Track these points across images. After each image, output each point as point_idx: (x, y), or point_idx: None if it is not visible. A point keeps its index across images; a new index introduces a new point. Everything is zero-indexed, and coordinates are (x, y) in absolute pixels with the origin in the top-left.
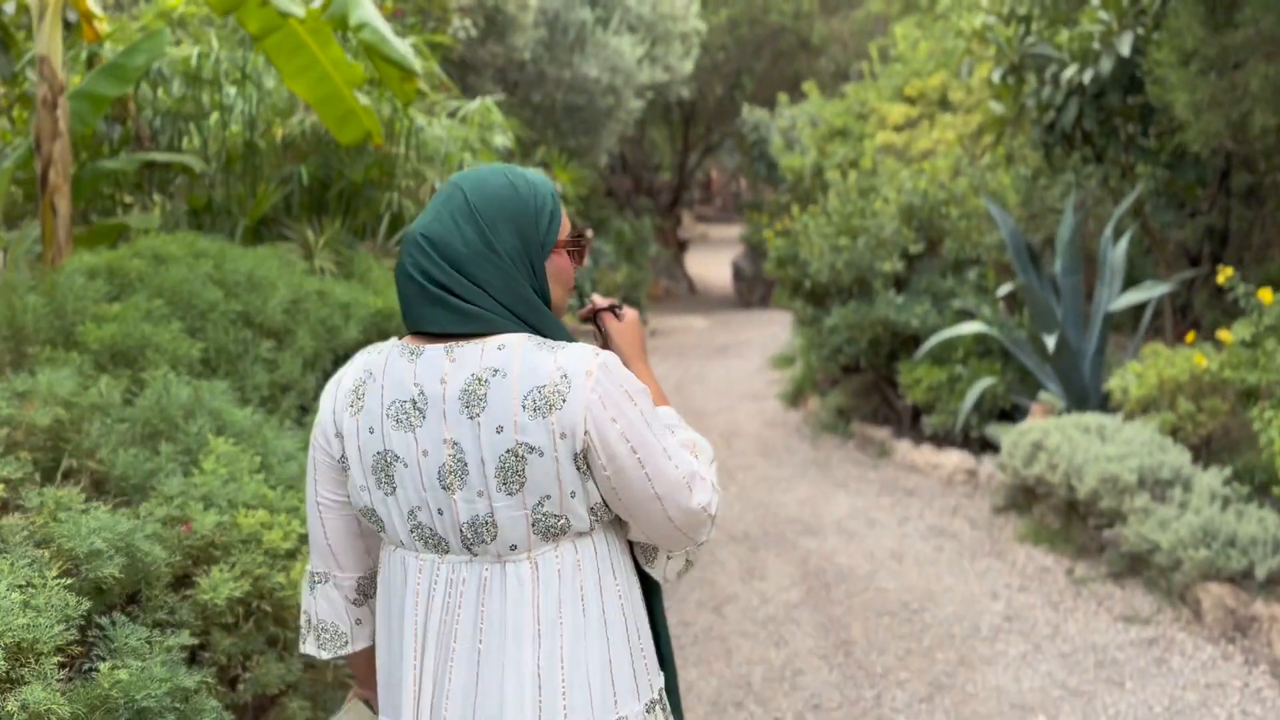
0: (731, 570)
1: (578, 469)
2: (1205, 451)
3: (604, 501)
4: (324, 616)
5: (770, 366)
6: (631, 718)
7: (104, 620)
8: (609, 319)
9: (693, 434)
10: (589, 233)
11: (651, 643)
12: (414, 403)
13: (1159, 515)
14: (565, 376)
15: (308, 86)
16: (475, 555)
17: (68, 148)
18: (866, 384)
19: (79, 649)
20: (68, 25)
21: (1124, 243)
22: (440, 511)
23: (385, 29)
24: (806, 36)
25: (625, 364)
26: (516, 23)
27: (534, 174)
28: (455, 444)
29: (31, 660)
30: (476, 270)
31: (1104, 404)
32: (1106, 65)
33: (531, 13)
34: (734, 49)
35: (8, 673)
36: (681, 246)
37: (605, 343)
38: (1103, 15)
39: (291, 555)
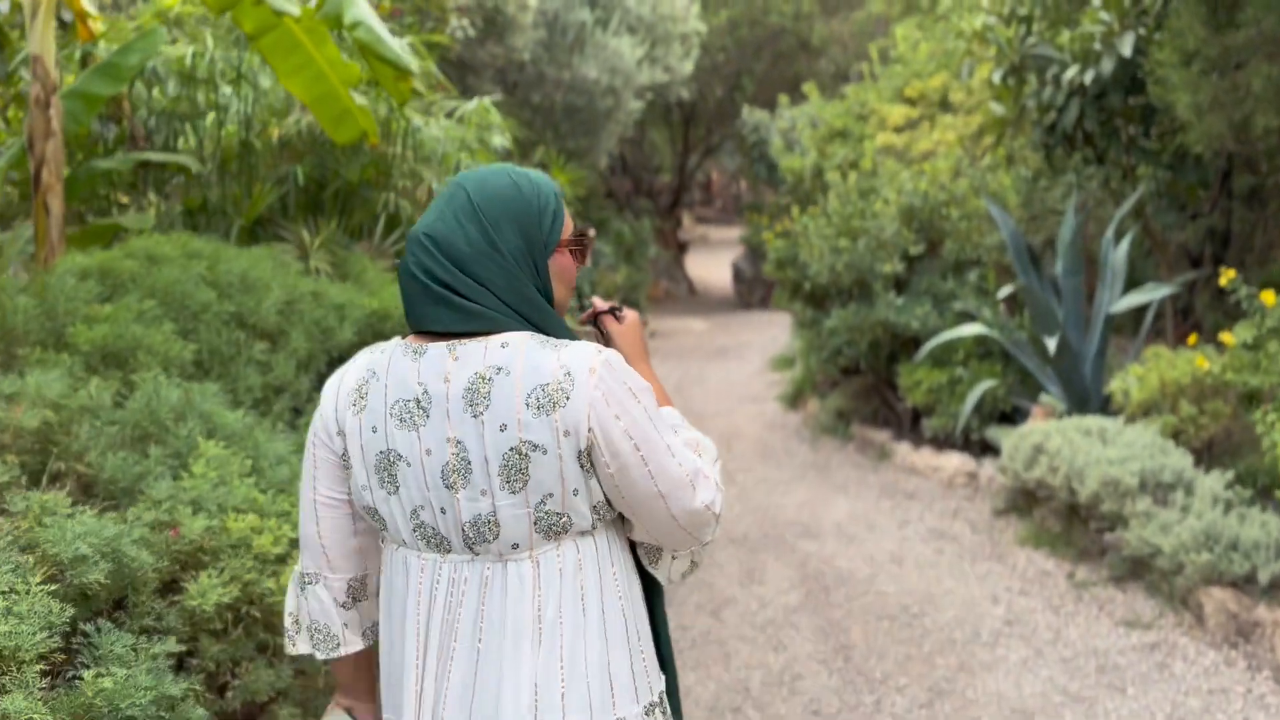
0: (730, 573)
1: (581, 467)
2: (1207, 455)
3: (606, 500)
4: (315, 617)
5: (770, 368)
6: (630, 719)
7: (89, 627)
8: (610, 321)
9: (696, 434)
10: (591, 232)
11: (652, 645)
12: (417, 401)
13: (1161, 519)
14: (569, 374)
15: (303, 86)
16: (477, 554)
17: (61, 147)
18: (866, 386)
19: (62, 657)
20: (63, 25)
21: (1125, 244)
22: (443, 511)
23: (380, 28)
24: (807, 38)
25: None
26: (516, 23)
27: (537, 174)
28: (459, 443)
29: (13, 668)
30: (480, 269)
31: (1105, 406)
32: (1108, 66)
33: (531, 13)
34: (734, 50)
35: None
36: (681, 248)
37: (606, 345)
38: (1104, 16)
39: (282, 560)
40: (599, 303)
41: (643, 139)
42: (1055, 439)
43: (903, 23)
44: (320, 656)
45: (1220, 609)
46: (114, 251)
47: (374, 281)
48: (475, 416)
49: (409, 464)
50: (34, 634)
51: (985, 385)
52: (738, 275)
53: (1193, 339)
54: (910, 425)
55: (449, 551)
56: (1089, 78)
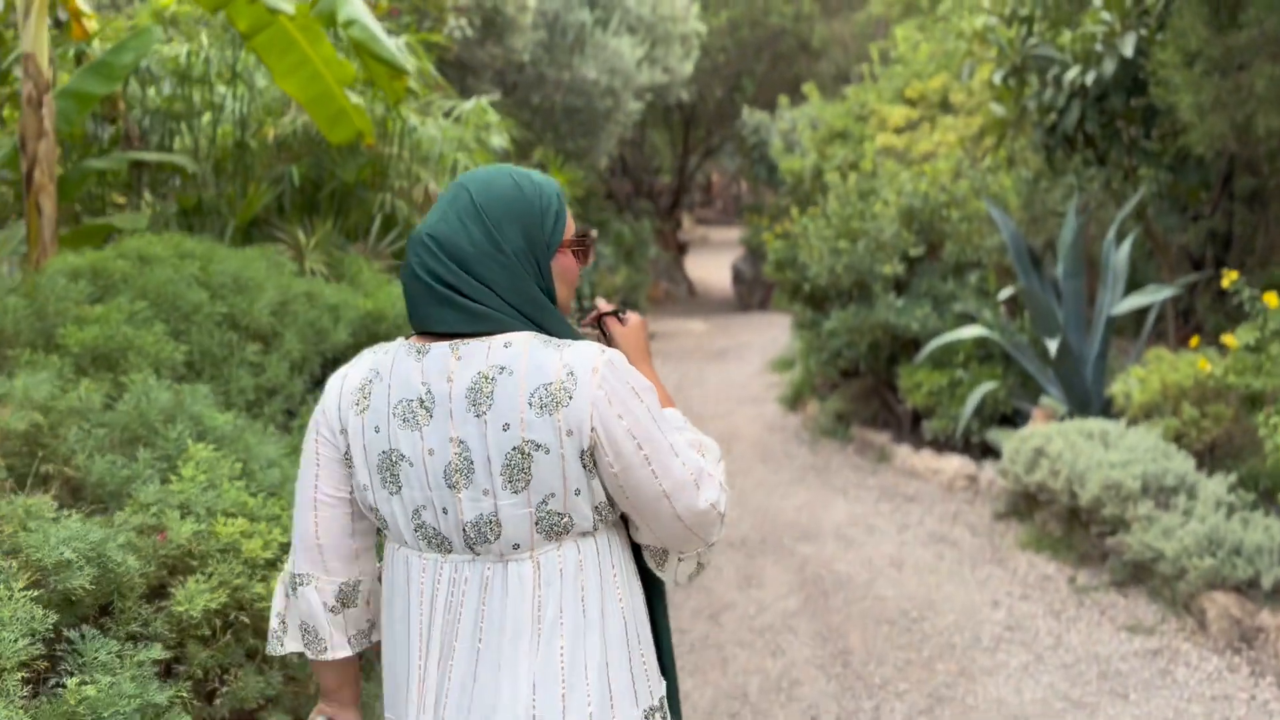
0: (728, 577)
1: (584, 466)
2: (1209, 458)
3: (609, 501)
4: (305, 619)
5: (769, 370)
6: None
7: (73, 634)
8: (614, 323)
9: (699, 434)
10: (593, 233)
11: (653, 649)
12: (421, 401)
13: (1163, 523)
14: (571, 374)
15: (299, 85)
16: (478, 554)
17: (53, 147)
18: (866, 388)
19: (45, 664)
20: (59, 24)
21: (1126, 246)
22: (445, 511)
23: (374, 26)
24: (807, 39)
25: None
26: (515, 24)
27: (539, 175)
28: (461, 442)
29: None
30: (483, 270)
31: (1106, 409)
32: (1109, 67)
33: (530, 14)
34: (734, 51)
35: None
36: (681, 249)
37: (610, 346)
38: (1105, 16)
39: (271, 565)
40: (603, 304)
41: (643, 140)
42: (1056, 442)
43: (903, 24)
44: (311, 656)
45: (1223, 614)
46: (106, 252)
47: (369, 282)
48: (478, 416)
49: (411, 464)
50: (15, 641)
51: (986, 387)
52: (737, 277)
53: (1194, 341)
54: (910, 427)
55: (450, 551)
56: (1090, 79)
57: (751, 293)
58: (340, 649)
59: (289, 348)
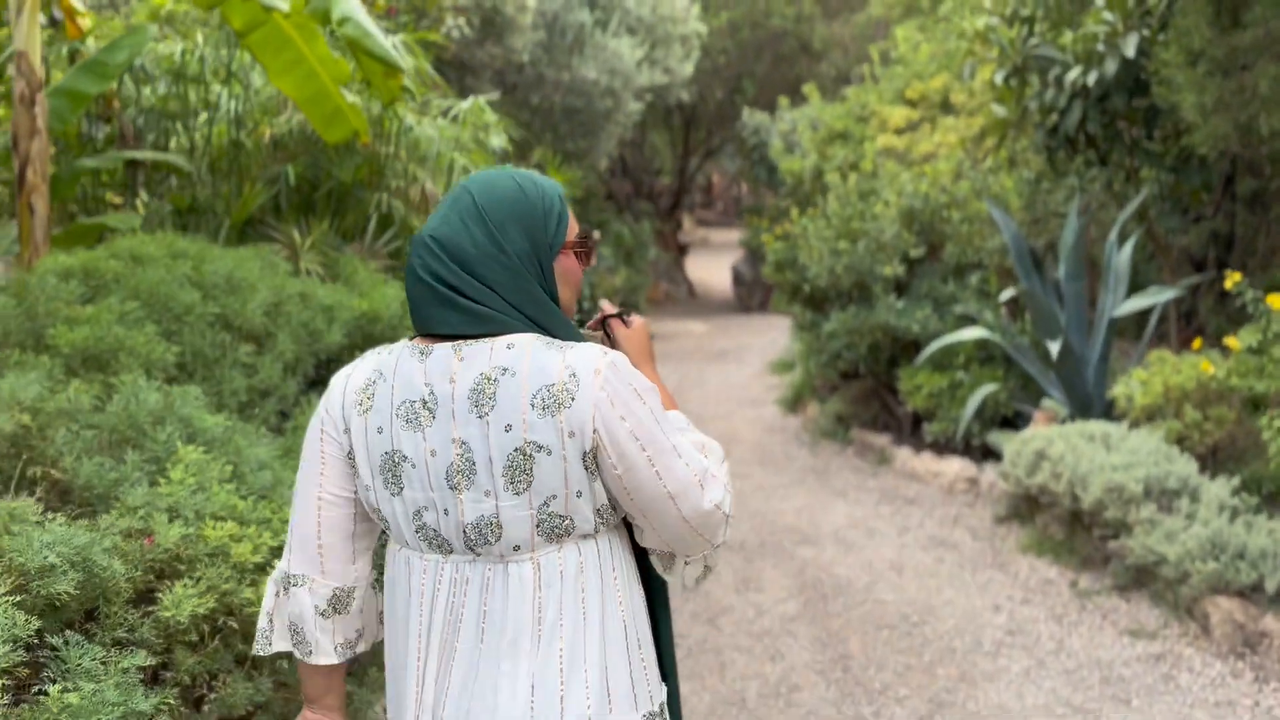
0: (727, 581)
1: (586, 468)
2: (1212, 461)
3: (610, 504)
4: (293, 620)
5: (769, 372)
6: None
7: (56, 640)
8: (618, 325)
9: (702, 436)
10: (596, 234)
11: (654, 654)
12: (424, 402)
13: (1166, 526)
14: (574, 375)
15: (294, 84)
16: (478, 556)
17: (46, 146)
18: (866, 390)
19: (27, 671)
20: (53, 22)
21: (1128, 248)
22: (446, 512)
23: (368, 23)
24: (807, 40)
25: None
26: (515, 24)
27: (542, 177)
28: (463, 443)
29: None
30: (486, 271)
31: (1108, 412)
32: (1111, 67)
33: (530, 14)
34: (735, 52)
35: None
36: (682, 250)
37: (614, 349)
38: (1107, 16)
39: (261, 569)
40: (607, 306)
41: (643, 141)
42: (1058, 444)
43: (904, 25)
44: (298, 655)
45: (1227, 619)
46: (98, 251)
47: (365, 282)
48: (480, 417)
49: (414, 465)
50: None
51: (986, 390)
52: (737, 278)
53: (1197, 343)
54: (910, 430)
55: (451, 553)
56: (1092, 79)
57: (751, 294)
58: (324, 655)
59: (282, 349)
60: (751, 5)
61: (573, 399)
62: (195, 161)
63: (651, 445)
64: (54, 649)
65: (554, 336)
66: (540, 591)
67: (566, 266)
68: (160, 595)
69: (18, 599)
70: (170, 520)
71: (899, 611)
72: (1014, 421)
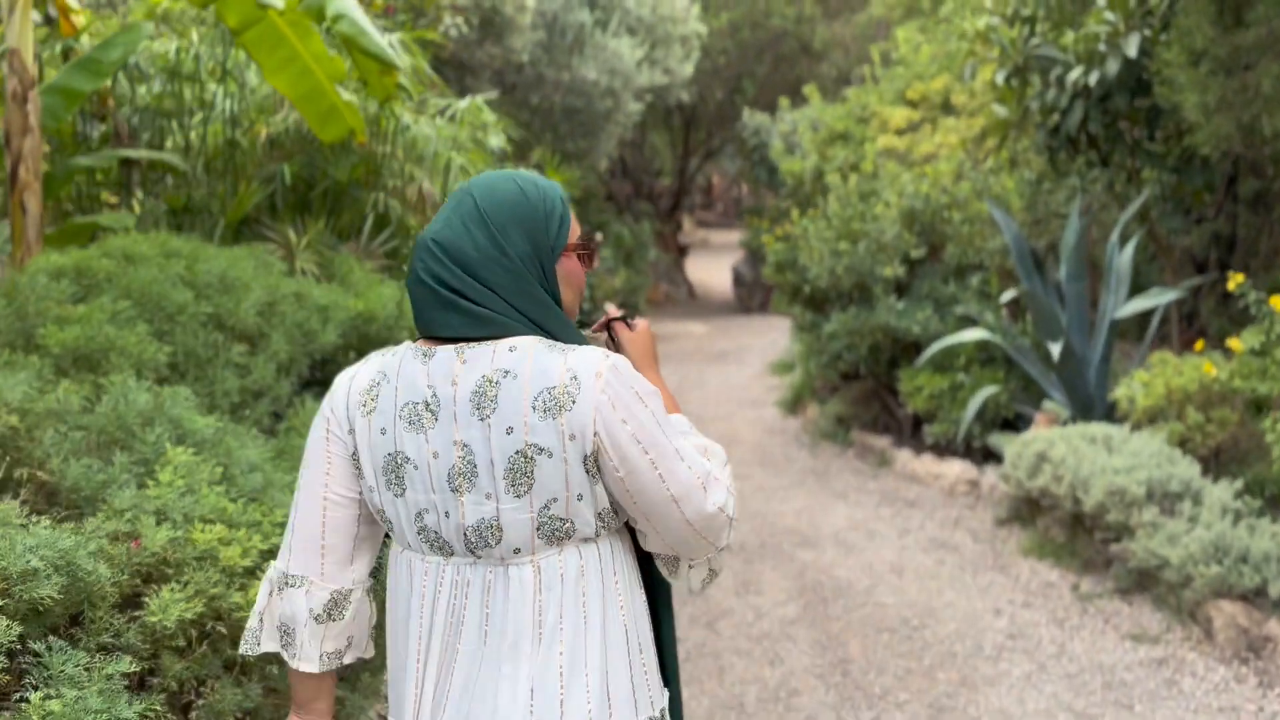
0: (726, 583)
1: (586, 471)
2: (1214, 463)
3: (612, 507)
4: (284, 621)
5: (769, 373)
6: None
7: (39, 645)
8: (621, 329)
9: (704, 439)
10: (598, 236)
11: (655, 659)
12: (427, 404)
13: (1168, 529)
14: (575, 378)
15: (289, 82)
16: (479, 558)
17: (39, 144)
18: (866, 391)
19: (8, 678)
20: (48, 20)
21: (1130, 248)
22: (447, 514)
23: (363, 20)
24: (808, 41)
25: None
26: (514, 24)
27: (544, 179)
28: (465, 445)
29: None
30: (488, 274)
31: (1110, 414)
32: (1113, 67)
33: (529, 14)
34: (735, 53)
35: None
36: (682, 251)
37: (617, 352)
38: (1109, 16)
39: (251, 573)
40: (611, 309)
41: (643, 142)
42: (1059, 447)
43: (904, 25)
44: (285, 657)
45: (1230, 623)
46: (90, 250)
47: (360, 282)
48: (482, 419)
49: (416, 466)
50: None
51: (987, 391)
52: (737, 279)
53: (1199, 345)
54: (911, 431)
55: (452, 555)
56: (1093, 79)
57: (752, 295)
58: (308, 663)
59: (276, 349)
60: (752, 5)
61: (574, 402)
62: (190, 160)
63: (654, 448)
64: (36, 655)
65: (556, 339)
66: (540, 594)
67: (569, 269)
68: (147, 600)
69: None
70: (158, 523)
71: (899, 615)
72: (1015, 423)
